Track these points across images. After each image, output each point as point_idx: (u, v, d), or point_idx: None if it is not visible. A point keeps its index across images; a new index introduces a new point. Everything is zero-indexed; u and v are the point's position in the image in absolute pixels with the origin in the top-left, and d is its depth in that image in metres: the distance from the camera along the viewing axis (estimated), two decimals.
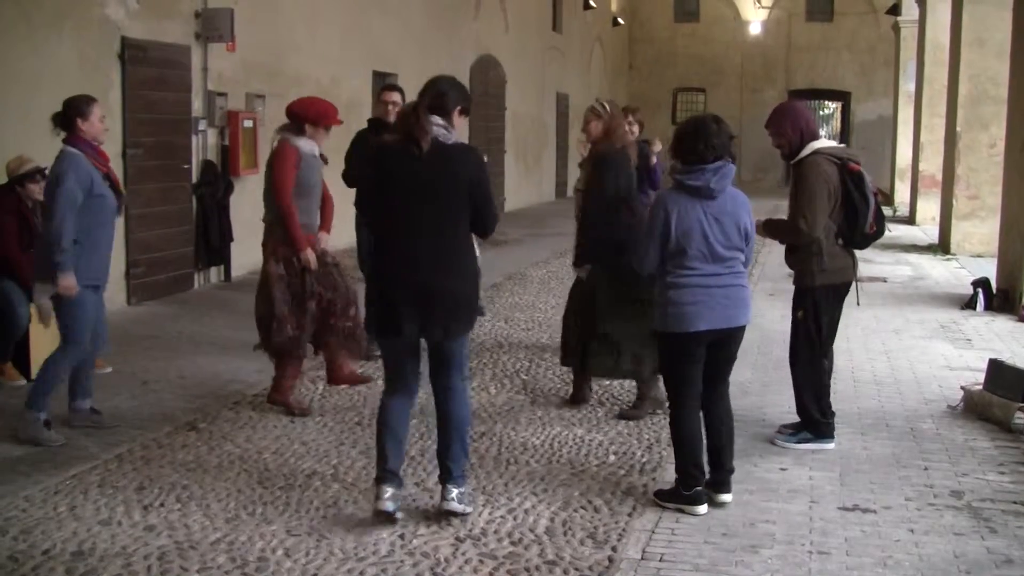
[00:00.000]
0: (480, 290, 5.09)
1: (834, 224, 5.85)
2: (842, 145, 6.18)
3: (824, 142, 5.95)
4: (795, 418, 6.23)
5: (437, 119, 4.82)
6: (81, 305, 6.13)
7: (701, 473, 5.17)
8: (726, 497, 5.22)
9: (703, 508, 5.10)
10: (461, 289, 4.85)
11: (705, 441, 5.26)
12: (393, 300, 4.82)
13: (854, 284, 6.14)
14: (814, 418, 6.08)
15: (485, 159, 5.62)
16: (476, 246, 5.11)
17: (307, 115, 6.71)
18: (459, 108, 4.96)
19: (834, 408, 6.88)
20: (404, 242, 4.81)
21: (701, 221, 5.03)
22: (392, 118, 7.95)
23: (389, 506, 4.87)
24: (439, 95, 4.90)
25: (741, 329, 5.25)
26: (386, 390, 5.06)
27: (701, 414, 5.25)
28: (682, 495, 5.13)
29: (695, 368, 5.16)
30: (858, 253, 6.13)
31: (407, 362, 4.99)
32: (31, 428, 6.11)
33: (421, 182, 4.75)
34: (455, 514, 4.90)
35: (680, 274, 5.05)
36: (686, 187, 5.07)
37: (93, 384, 6.61)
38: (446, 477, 4.96)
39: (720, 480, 5.25)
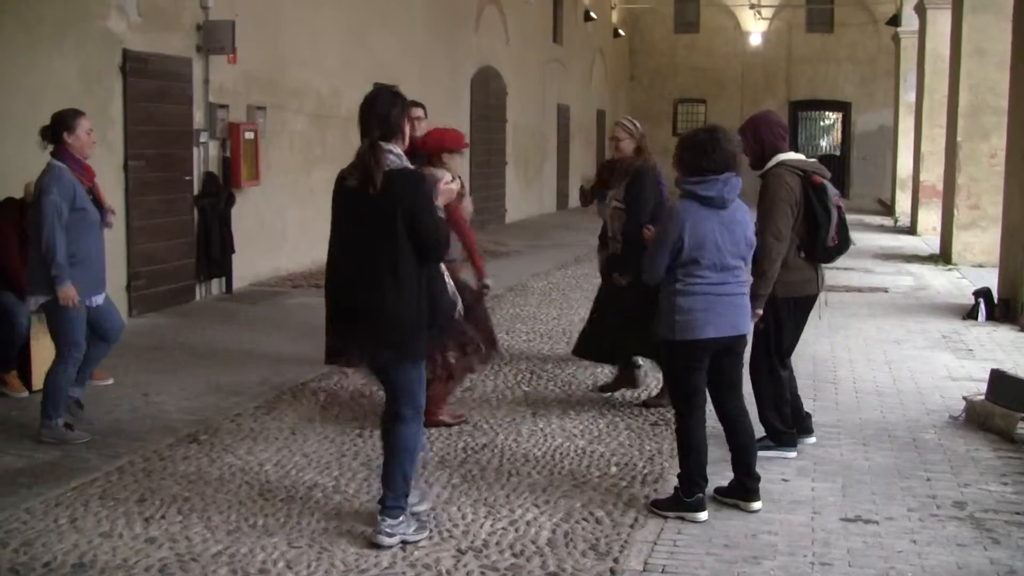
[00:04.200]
0: (429, 317, 4.87)
1: (796, 237, 5.83)
2: (812, 160, 6.16)
3: (790, 155, 5.92)
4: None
5: (388, 147, 4.76)
6: (72, 317, 6.28)
7: (705, 482, 5.20)
8: (757, 505, 5.26)
9: (704, 515, 5.12)
10: (392, 315, 4.72)
11: (732, 452, 5.34)
12: (334, 322, 4.89)
13: (820, 297, 6.13)
14: (775, 427, 6.07)
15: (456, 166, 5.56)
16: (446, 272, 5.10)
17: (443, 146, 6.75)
18: (406, 120, 4.91)
19: (836, 419, 6.91)
20: (344, 268, 4.83)
21: (714, 231, 5.06)
22: (419, 133, 8.04)
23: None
24: (385, 120, 4.78)
25: (744, 337, 5.30)
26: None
27: (724, 426, 5.36)
28: (683, 502, 5.14)
29: (701, 376, 5.20)
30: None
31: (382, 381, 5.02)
32: (53, 433, 6.31)
33: (367, 214, 4.73)
34: (379, 546, 4.77)
35: (689, 282, 5.07)
36: (699, 197, 5.08)
37: (88, 376, 6.82)
38: (380, 505, 4.88)
39: (752, 488, 5.28)
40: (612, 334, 7.22)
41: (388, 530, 4.78)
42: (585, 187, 8.44)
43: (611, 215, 7.20)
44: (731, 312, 5.15)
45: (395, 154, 4.76)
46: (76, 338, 6.34)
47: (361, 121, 4.82)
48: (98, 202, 6.47)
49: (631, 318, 6.91)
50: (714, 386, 5.29)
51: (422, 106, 8.23)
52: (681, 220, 5.05)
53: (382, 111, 4.78)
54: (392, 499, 4.84)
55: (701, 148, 5.09)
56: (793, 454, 6.09)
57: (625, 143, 7.12)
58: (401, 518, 4.82)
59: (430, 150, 6.67)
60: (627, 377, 7.51)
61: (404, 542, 4.79)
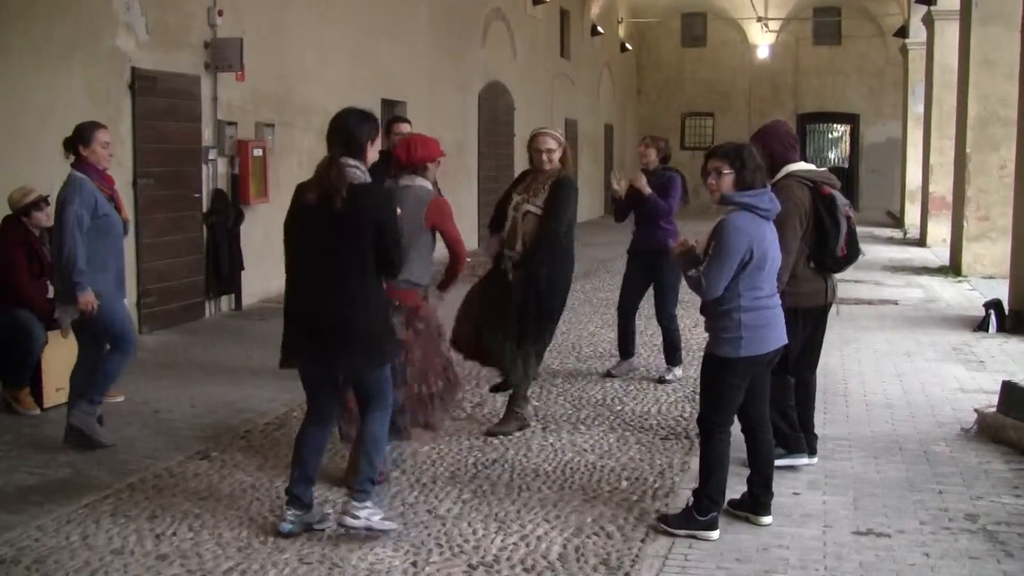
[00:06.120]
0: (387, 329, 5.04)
1: (806, 247, 5.84)
2: (822, 169, 6.17)
3: (799, 165, 5.93)
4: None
5: (351, 162, 4.87)
6: (110, 307, 6.47)
7: (723, 499, 5.19)
8: (768, 519, 5.25)
9: (716, 534, 5.09)
10: (355, 326, 4.85)
11: (752, 464, 5.34)
12: (291, 334, 5.00)
13: (832, 309, 6.13)
14: (783, 432, 6.02)
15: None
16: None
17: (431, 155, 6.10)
18: (371, 139, 5.02)
19: (846, 432, 6.90)
20: (305, 281, 4.94)
21: (771, 242, 5.09)
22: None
23: (284, 527, 5.02)
24: (351, 139, 4.93)
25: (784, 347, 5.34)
26: (305, 417, 5.21)
27: (747, 436, 5.35)
28: (696, 520, 5.11)
29: (742, 394, 5.20)
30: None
31: (320, 393, 5.10)
32: (86, 420, 6.48)
33: (331, 228, 4.83)
34: (344, 527, 4.95)
35: (751, 297, 5.06)
36: (758, 209, 5.07)
37: (105, 393, 6.87)
38: (348, 489, 5.09)
39: (767, 503, 5.28)
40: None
41: (354, 511, 4.95)
42: (618, 194, 8.54)
43: (523, 219, 6.98)
44: (780, 323, 5.20)
45: (360, 169, 4.91)
46: (127, 327, 6.65)
47: (328, 138, 5.00)
48: (118, 210, 6.66)
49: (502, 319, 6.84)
50: (747, 395, 5.26)
51: (409, 122, 8.30)
52: (748, 233, 5.00)
53: (347, 129, 4.97)
54: (358, 482, 5.00)
55: (758, 161, 5.12)
56: (805, 460, 6.07)
57: (557, 153, 7.02)
58: (367, 502, 4.98)
59: (420, 160, 5.98)
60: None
61: (369, 528, 4.94)
